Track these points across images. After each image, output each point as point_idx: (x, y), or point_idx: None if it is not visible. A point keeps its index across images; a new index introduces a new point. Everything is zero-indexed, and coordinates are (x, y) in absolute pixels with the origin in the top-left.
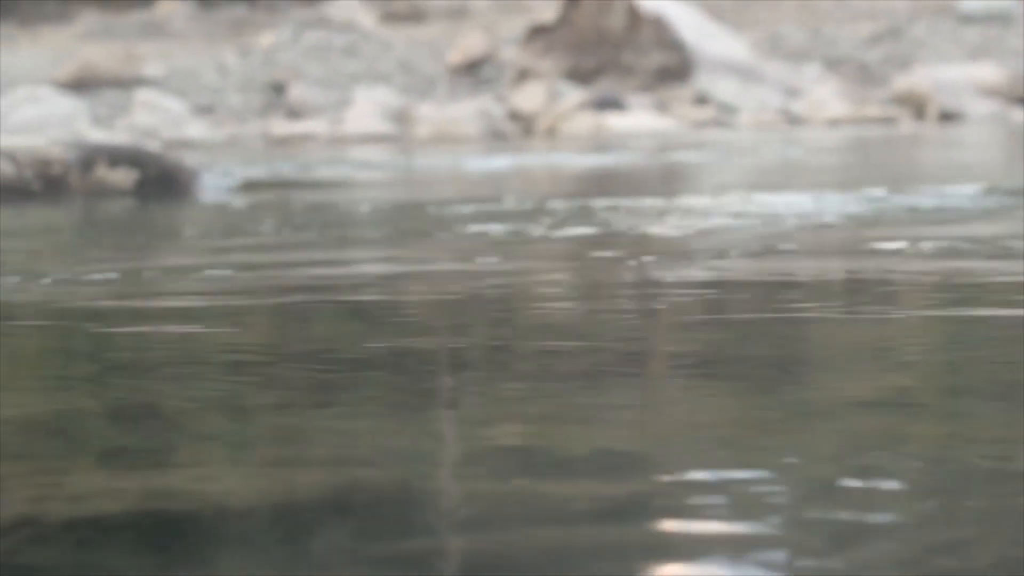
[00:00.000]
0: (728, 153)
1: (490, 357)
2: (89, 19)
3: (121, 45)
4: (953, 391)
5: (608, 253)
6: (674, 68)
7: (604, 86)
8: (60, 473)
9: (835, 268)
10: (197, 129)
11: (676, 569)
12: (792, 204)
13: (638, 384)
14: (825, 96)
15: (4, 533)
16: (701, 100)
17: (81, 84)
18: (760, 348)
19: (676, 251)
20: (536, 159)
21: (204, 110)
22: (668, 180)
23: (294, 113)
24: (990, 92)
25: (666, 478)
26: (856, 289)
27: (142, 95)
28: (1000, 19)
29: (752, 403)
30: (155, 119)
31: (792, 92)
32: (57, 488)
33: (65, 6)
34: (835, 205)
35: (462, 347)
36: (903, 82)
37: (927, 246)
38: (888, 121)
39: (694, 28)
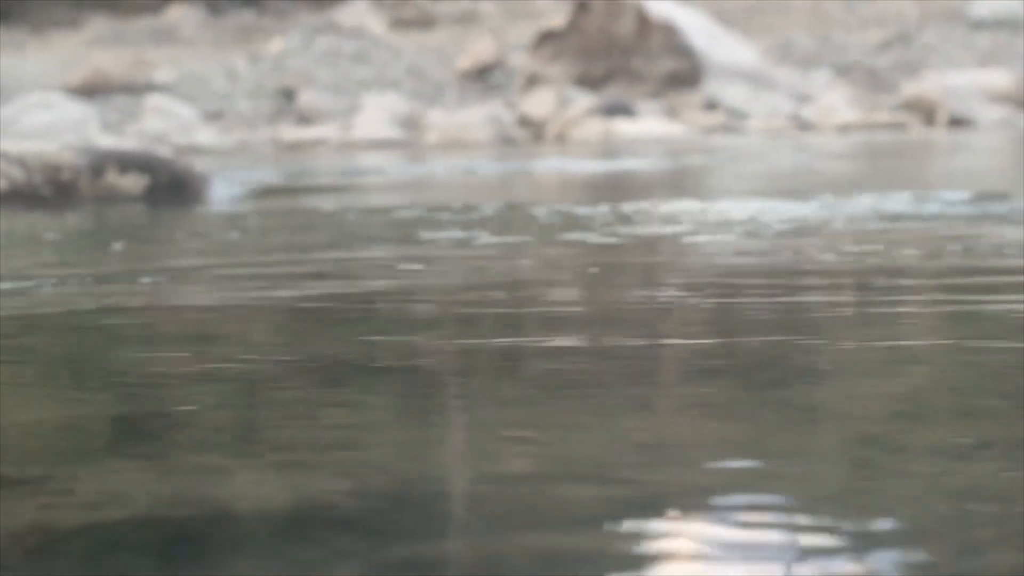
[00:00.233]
0: (732, 159)
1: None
2: (99, 25)
3: (131, 51)
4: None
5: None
6: (684, 74)
7: (613, 92)
8: (70, 479)
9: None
10: (207, 135)
11: (683, 572)
12: (768, 210)
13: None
14: (835, 102)
15: (15, 539)
16: (711, 106)
17: (91, 90)
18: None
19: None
20: (522, 165)
21: (214, 116)
22: (671, 184)
23: (304, 119)
24: (1000, 98)
25: (673, 481)
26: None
27: (152, 101)
28: (1010, 25)
29: (758, 406)
30: (165, 125)
31: (802, 98)
32: (67, 495)
33: (75, 12)
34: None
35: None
36: (913, 88)
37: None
38: (898, 127)
39: (704, 34)
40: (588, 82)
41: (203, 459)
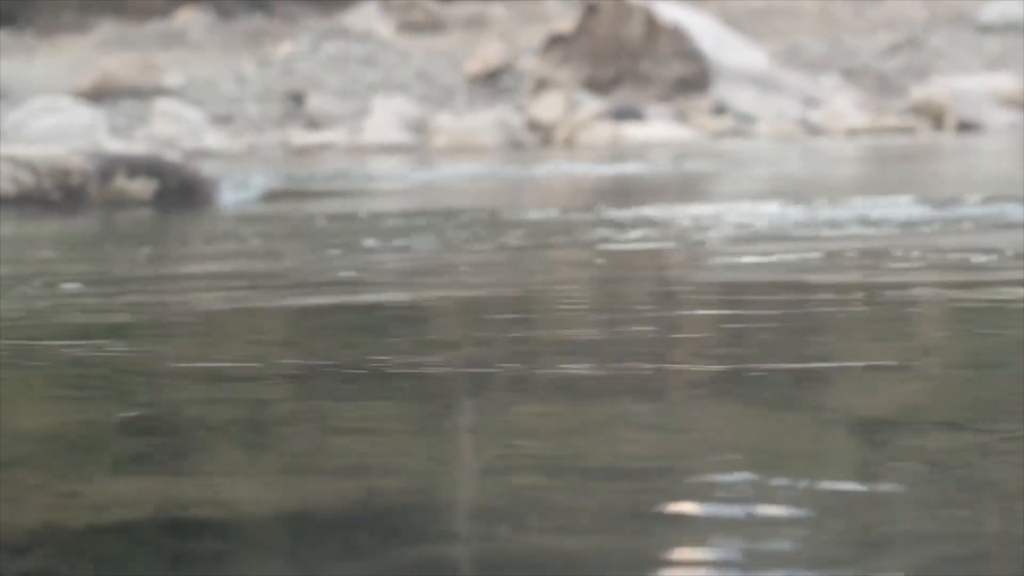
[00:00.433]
0: (737, 164)
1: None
2: (108, 29)
3: (140, 55)
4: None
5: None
6: (692, 78)
7: (622, 96)
8: (80, 482)
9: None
10: (216, 139)
11: None
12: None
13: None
14: (843, 106)
15: (25, 542)
16: (719, 110)
17: (100, 94)
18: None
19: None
20: (519, 170)
21: (223, 120)
22: (675, 189)
23: (312, 123)
24: (1008, 102)
25: (682, 488)
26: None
27: (161, 105)
28: (1019, 29)
29: (769, 413)
30: (174, 129)
31: (810, 102)
32: (77, 497)
33: (83, 16)
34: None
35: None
36: (921, 92)
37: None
38: (906, 131)
39: (712, 38)
40: (597, 86)
41: (211, 462)
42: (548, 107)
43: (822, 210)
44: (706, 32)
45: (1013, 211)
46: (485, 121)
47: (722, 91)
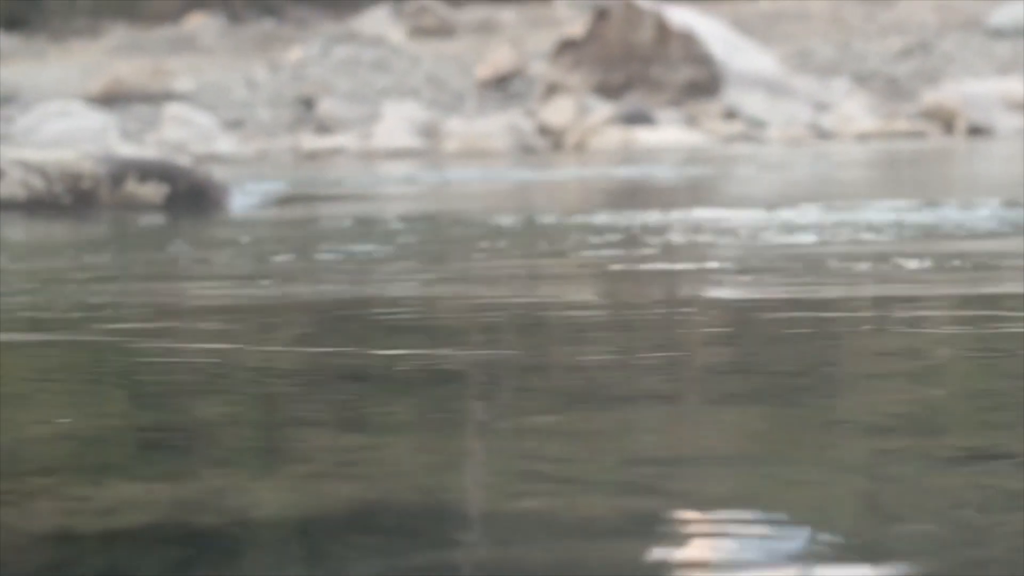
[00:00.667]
0: (768, 167)
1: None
2: (119, 34)
3: (151, 60)
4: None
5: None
6: (703, 82)
7: (633, 100)
8: (90, 486)
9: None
10: (227, 144)
11: None
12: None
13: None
14: (854, 110)
15: (35, 546)
16: (730, 115)
17: (111, 98)
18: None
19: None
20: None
21: (233, 125)
22: (679, 193)
23: (323, 128)
24: (1019, 106)
25: (690, 494)
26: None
27: (172, 110)
28: None
29: (778, 418)
30: (185, 134)
31: (821, 106)
32: (87, 501)
33: (95, 21)
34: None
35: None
36: (932, 96)
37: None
38: (917, 135)
39: (723, 42)
40: (607, 91)
41: (222, 467)
42: (559, 112)
43: (848, 213)
44: (717, 36)
45: None
46: (496, 126)
47: (733, 96)
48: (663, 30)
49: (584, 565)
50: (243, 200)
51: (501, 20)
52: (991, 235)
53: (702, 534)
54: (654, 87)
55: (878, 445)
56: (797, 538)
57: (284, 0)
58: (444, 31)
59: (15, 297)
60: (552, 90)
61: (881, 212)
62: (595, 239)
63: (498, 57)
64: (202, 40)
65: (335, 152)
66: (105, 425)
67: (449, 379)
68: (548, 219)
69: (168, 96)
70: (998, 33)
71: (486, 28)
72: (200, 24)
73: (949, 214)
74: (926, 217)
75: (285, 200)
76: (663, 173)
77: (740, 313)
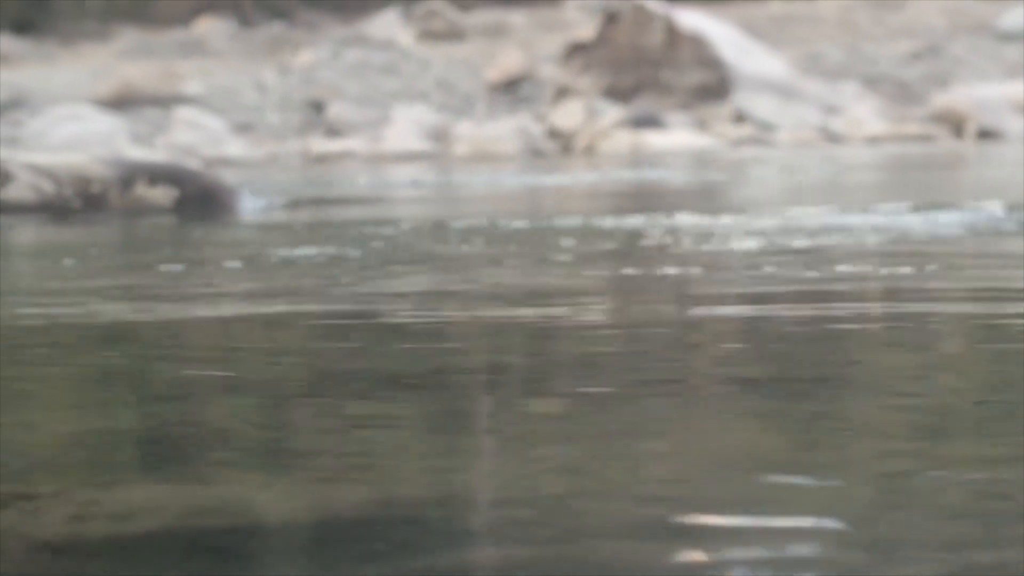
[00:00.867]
0: (787, 170)
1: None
2: (128, 37)
3: (160, 63)
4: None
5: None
6: (713, 86)
7: (642, 104)
8: (101, 490)
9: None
10: (236, 147)
11: None
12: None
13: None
14: (864, 114)
15: (46, 550)
16: (740, 118)
17: (121, 102)
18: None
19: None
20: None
21: (243, 128)
22: (683, 197)
23: (333, 131)
24: None
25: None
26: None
27: (181, 113)
28: None
29: (788, 420)
30: (194, 137)
31: (831, 110)
32: (97, 505)
33: (105, 24)
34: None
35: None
36: (941, 100)
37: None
38: (927, 139)
39: (733, 46)
40: (617, 94)
41: (231, 471)
42: (568, 115)
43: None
44: (726, 40)
45: None
46: (505, 129)
47: (742, 99)
48: (673, 33)
49: (592, 567)
50: (253, 203)
51: (510, 23)
52: (997, 235)
53: (711, 537)
54: (664, 90)
55: (887, 447)
56: (809, 543)
57: (294, 3)
58: (453, 34)
59: (27, 298)
60: (562, 93)
61: (889, 215)
62: (604, 244)
63: (507, 60)
64: (212, 43)
65: (345, 155)
66: (114, 429)
67: (456, 382)
68: (568, 222)
69: (178, 99)
70: (1007, 36)
71: (495, 31)
72: (210, 27)
73: (956, 216)
74: (931, 219)
75: (294, 204)
76: (674, 177)
77: (749, 322)
